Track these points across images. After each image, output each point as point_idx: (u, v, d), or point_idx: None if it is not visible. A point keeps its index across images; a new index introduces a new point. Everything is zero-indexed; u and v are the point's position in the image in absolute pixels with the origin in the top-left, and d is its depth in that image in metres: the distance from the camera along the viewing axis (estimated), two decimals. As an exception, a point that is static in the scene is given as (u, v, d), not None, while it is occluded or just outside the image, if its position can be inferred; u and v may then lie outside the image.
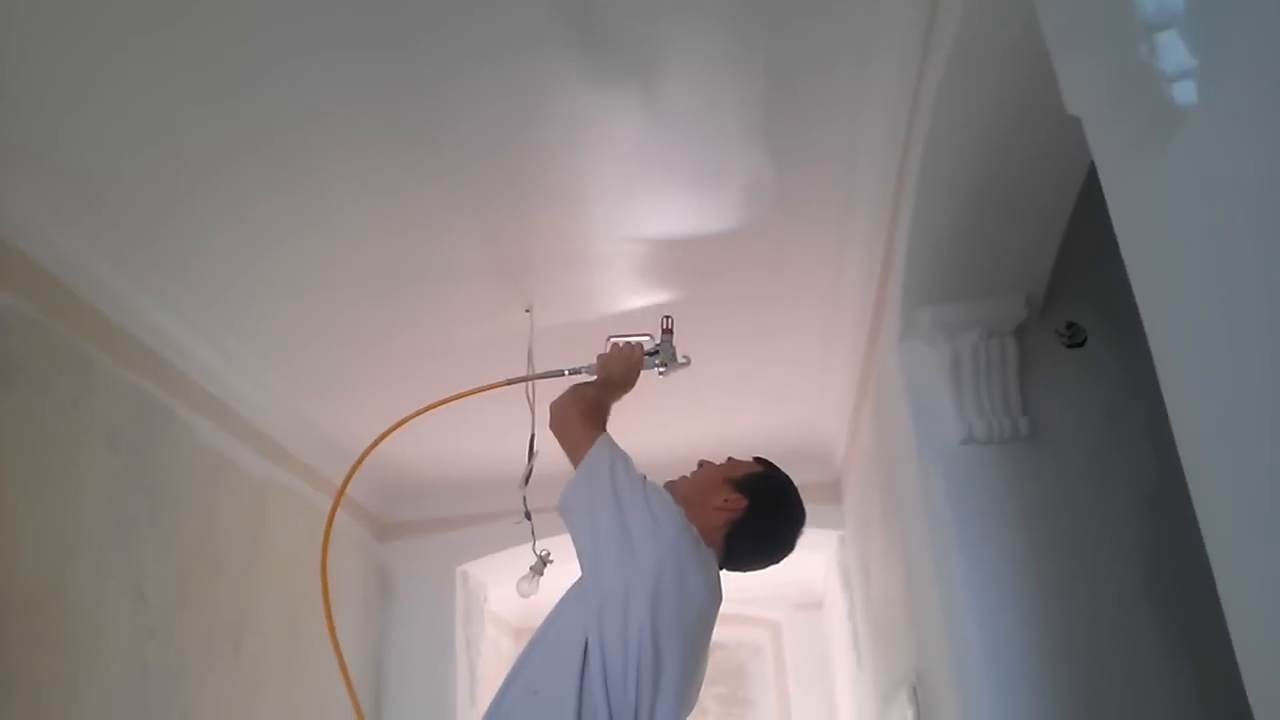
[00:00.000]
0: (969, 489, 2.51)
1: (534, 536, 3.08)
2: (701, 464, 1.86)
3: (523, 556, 3.85)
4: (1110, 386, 2.54)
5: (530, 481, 2.99)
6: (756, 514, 1.76)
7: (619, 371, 1.91)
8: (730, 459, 1.87)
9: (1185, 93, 0.93)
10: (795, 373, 3.80)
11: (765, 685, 6.99)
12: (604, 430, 1.77)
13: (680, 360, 2.03)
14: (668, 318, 2.06)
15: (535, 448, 2.98)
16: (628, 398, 1.96)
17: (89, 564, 2.68)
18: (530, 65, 2.24)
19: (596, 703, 1.48)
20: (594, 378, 1.92)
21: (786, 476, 1.87)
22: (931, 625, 2.72)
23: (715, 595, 1.71)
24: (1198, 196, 0.96)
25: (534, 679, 1.58)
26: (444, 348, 3.49)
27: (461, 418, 4.40)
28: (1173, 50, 0.93)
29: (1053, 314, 2.60)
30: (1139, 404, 2.48)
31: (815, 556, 5.34)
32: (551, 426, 1.82)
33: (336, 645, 2.00)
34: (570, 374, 2.02)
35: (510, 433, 3.13)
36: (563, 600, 1.68)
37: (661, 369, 2.01)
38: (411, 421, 4.03)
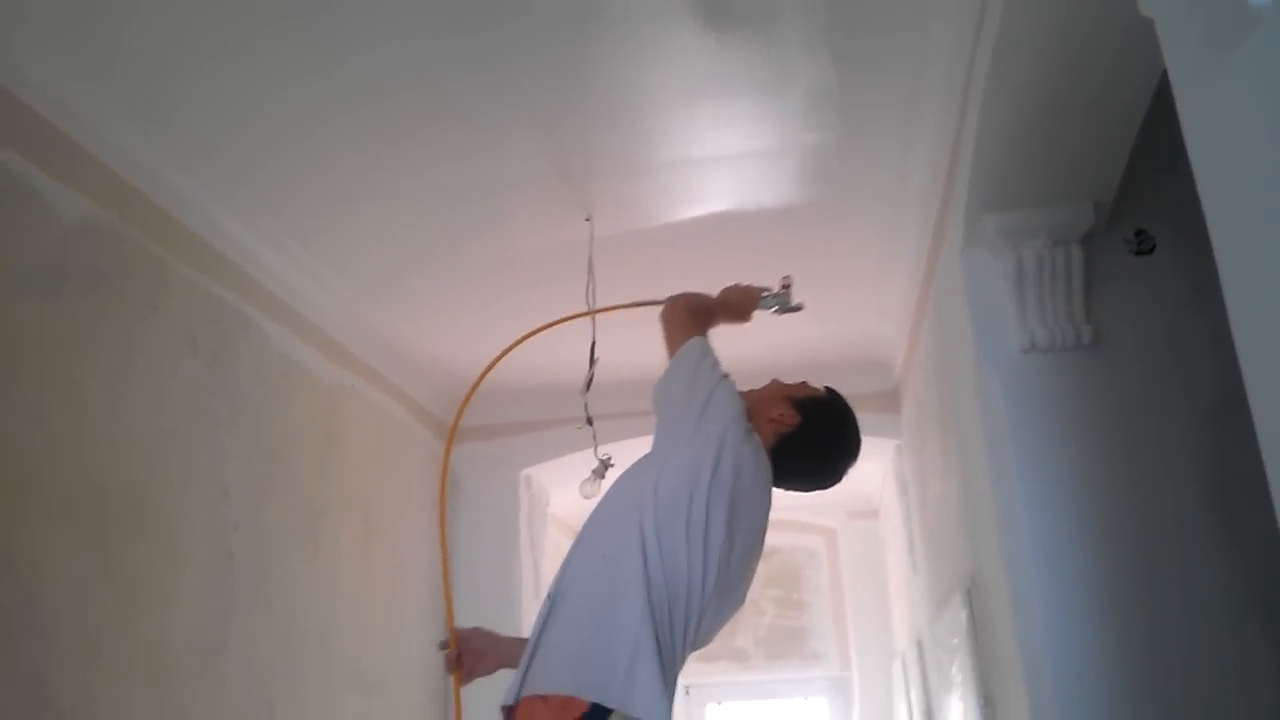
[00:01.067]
0: (1029, 397, 2.52)
1: (595, 441, 3.16)
2: (773, 381, 1.94)
3: (583, 461, 3.96)
4: (1176, 296, 2.50)
5: (591, 388, 3.06)
6: (806, 434, 1.83)
7: (737, 298, 2.13)
8: (803, 382, 1.92)
9: (1261, -7, 0.91)
10: (856, 282, 3.79)
11: (820, 589, 7.13)
12: (703, 333, 1.93)
13: (794, 304, 2.24)
14: (787, 276, 2.25)
15: (595, 355, 3.04)
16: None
17: (176, 460, 2.82)
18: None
19: (652, 564, 1.58)
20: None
21: (848, 408, 1.93)
22: (986, 531, 2.75)
23: (767, 496, 1.77)
24: (1271, 103, 0.95)
25: (599, 543, 1.68)
26: (505, 257, 3.54)
27: (522, 319, 4.47)
28: (1250, -52, 0.91)
29: (1121, 222, 2.55)
30: (1203, 315, 2.45)
31: (871, 465, 5.38)
32: (662, 315, 1.99)
33: (445, 560, 2.12)
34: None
35: (571, 340, 3.19)
36: (621, 477, 1.80)
37: (775, 309, 2.23)
38: (478, 328, 4.13)
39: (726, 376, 1.79)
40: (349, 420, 3.89)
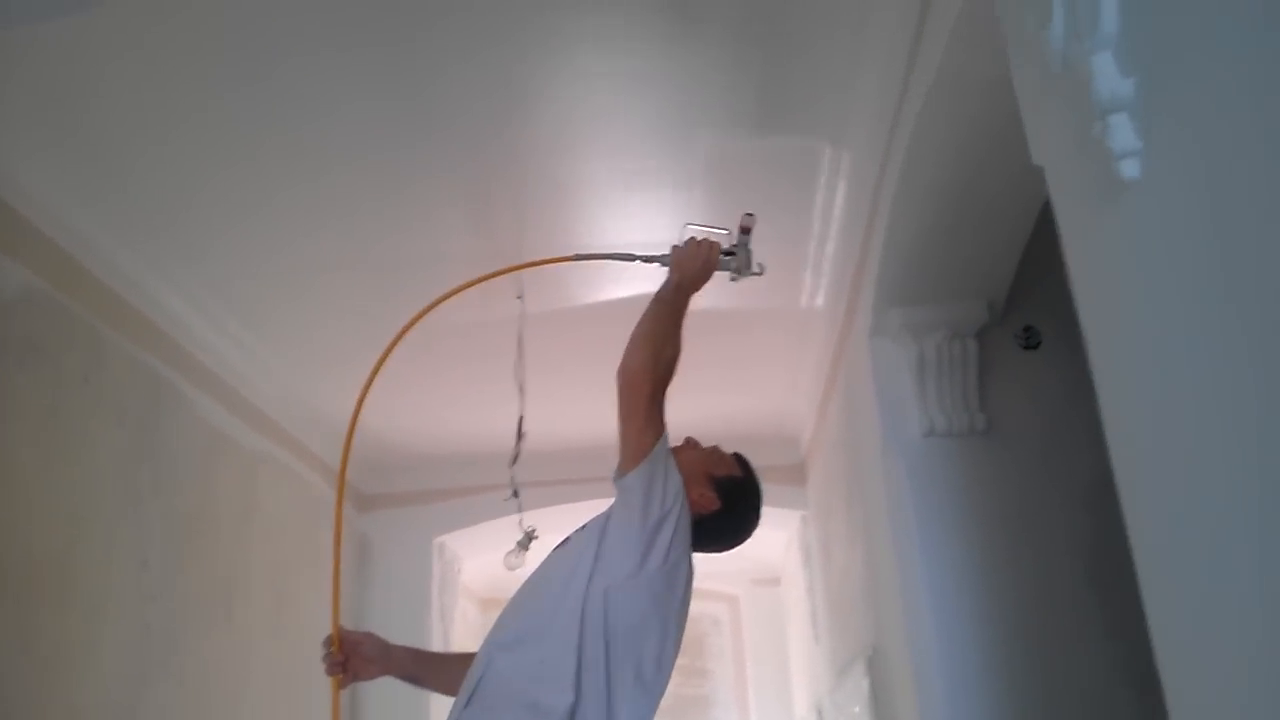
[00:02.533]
0: (929, 478, 2.72)
1: (520, 513, 3.25)
2: (687, 441, 1.92)
3: (499, 530, 4.03)
4: (1061, 386, 2.76)
5: (516, 461, 3.16)
6: (723, 516, 1.87)
7: (692, 271, 1.84)
8: (715, 449, 1.97)
9: (1130, 169, 1.12)
10: (769, 361, 4.00)
11: (723, 656, 7.25)
12: (663, 425, 1.76)
13: (754, 269, 1.93)
14: (749, 215, 1.91)
15: (524, 430, 3.15)
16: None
17: (99, 531, 2.81)
18: (521, 66, 2.40)
19: (596, 652, 1.60)
20: (666, 267, 1.87)
21: (758, 483, 1.97)
22: (889, 603, 2.94)
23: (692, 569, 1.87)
24: (1135, 257, 1.16)
25: (528, 630, 1.66)
26: (436, 331, 3.62)
27: (445, 391, 4.56)
28: (1121, 131, 1.12)
29: (1012, 318, 2.81)
30: (1084, 406, 2.69)
31: (776, 534, 5.57)
32: (623, 378, 1.74)
33: (338, 560, 2.05)
34: (643, 261, 1.96)
35: (489, 407, 3.28)
36: (558, 559, 1.77)
37: (735, 275, 1.91)
38: (403, 399, 4.18)
39: (680, 486, 1.76)
40: (267, 489, 3.88)
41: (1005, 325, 2.81)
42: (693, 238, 1.88)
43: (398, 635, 4.67)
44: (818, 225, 3.06)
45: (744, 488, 1.94)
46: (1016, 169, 2.24)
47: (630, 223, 3.05)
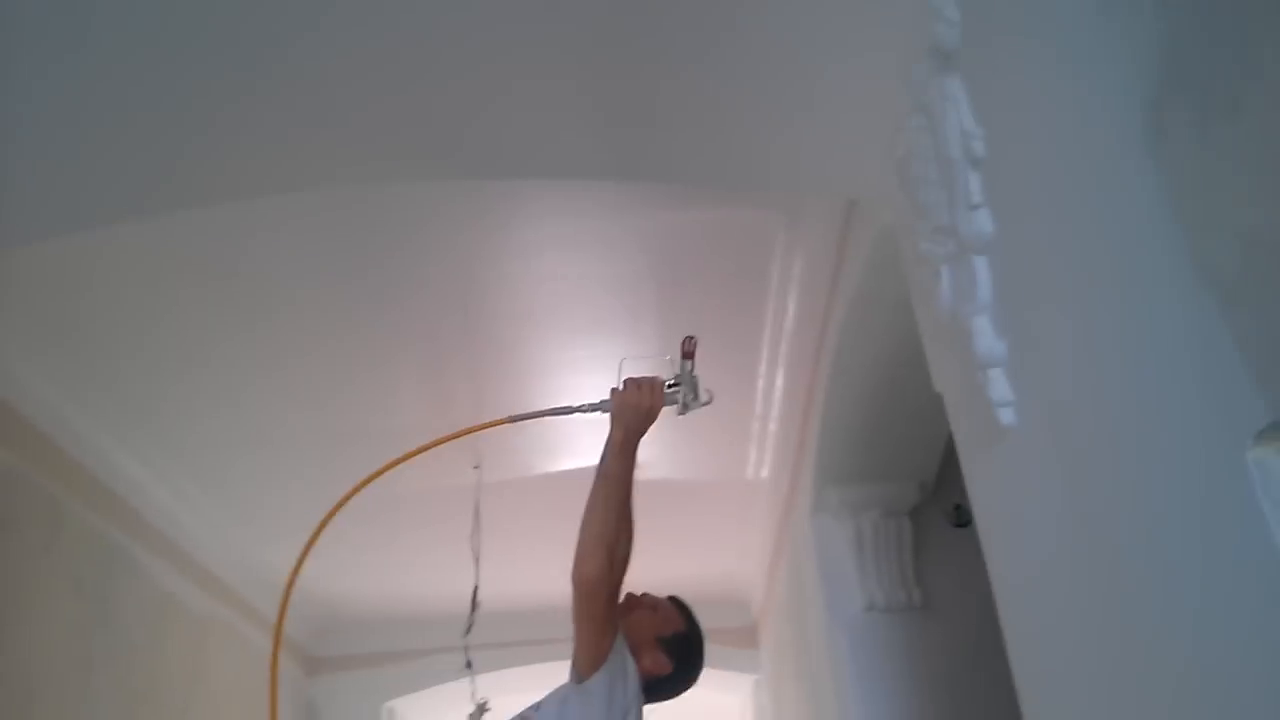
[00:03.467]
0: (870, 650, 2.84)
1: (474, 682, 3.28)
2: (629, 601, 1.90)
3: (451, 693, 4.02)
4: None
5: (470, 631, 3.21)
6: (675, 677, 1.95)
7: (637, 416, 1.76)
8: (657, 605, 1.98)
9: (1006, 416, 1.30)
10: (717, 528, 4.13)
11: (678, 822, 7.06)
12: (616, 624, 1.78)
13: (703, 398, 1.80)
14: (690, 339, 1.81)
15: (479, 600, 3.22)
16: None
17: (51, 703, 2.81)
18: (470, 242, 2.59)
19: None
20: (607, 414, 1.78)
21: (699, 628, 2.02)
22: (836, 774, 2.99)
23: None
24: (1015, 488, 1.33)
25: None
26: (393, 499, 3.72)
27: (399, 555, 4.60)
28: (998, 384, 1.31)
29: (943, 497, 2.98)
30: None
31: (729, 698, 5.56)
32: (580, 586, 1.72)
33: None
34: (583, 411, 1.85)
35: (443, 572, 3.34)
36: None
37: (682, 409, 1.78)
38: (357, 564, 4.23)
39: (636, 675, 1.83)
40: (216, 654, 3.88)
41: (936, 503, 2.98)
42: (630, 378, 1.78)
43: (343, 809, 4.52)
44: (760, 404, 3.26)
45: (690, 641, 2.00)
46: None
47: (590, 379, 3.20)
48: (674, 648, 1.97)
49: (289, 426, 3.25)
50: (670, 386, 1.77)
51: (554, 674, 1.97)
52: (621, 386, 1.78)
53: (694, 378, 1.79)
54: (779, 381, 3.06)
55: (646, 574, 4.75)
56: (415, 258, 2.63)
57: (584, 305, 2.85)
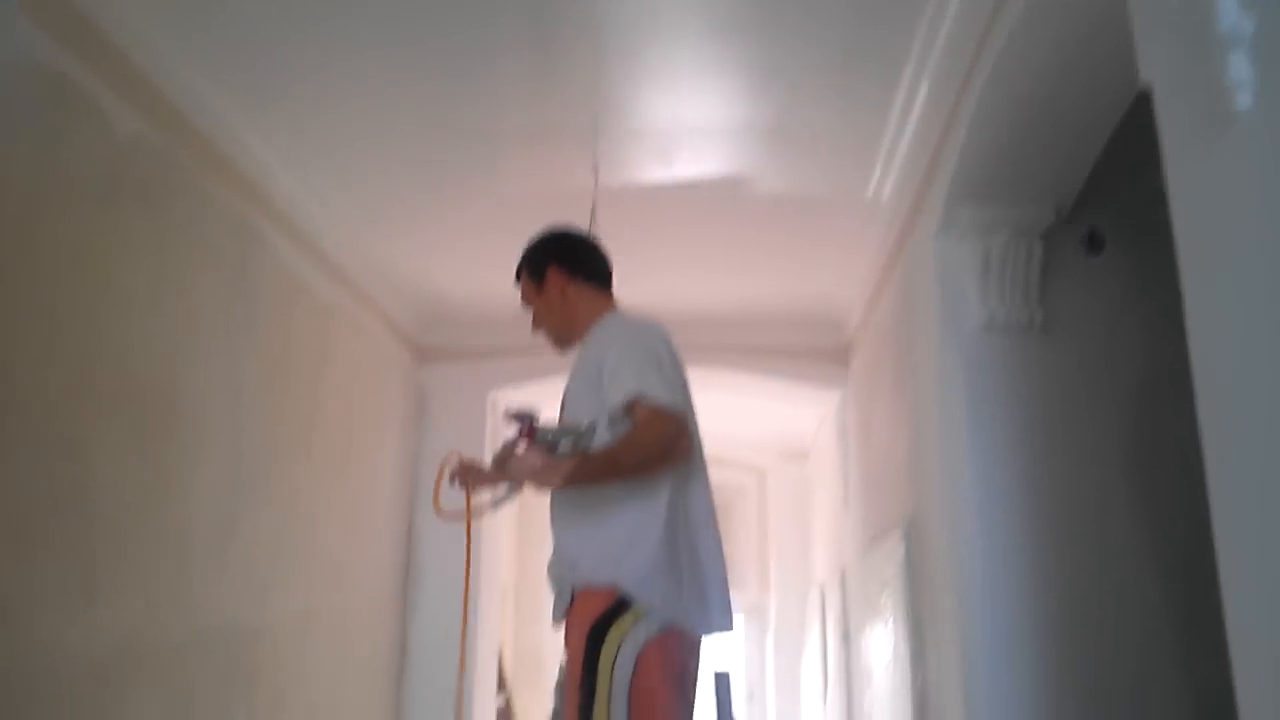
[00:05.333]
0: (984, 368, 2.87)
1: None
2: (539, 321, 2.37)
3: (549, 389, 4.20)
4: (1118, 289, 2.88)
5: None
6: (571, 263, 2.30)
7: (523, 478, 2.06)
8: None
9: (1243, 99, 1.22)
10: (825, 247, 4.10)
11: (746, 523, 7.61)
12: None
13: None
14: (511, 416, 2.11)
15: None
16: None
17: (201, 364, 3.03)
18: None
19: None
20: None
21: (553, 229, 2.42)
22: (931, 480, 3.14)
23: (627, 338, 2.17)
24: (1237, 187, 1.27)
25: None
26: (507, 199, 3.75)
27: (507, 255, 4.68)
28: (1238, 62, 1.22)
29: (1078, 222, 2.90)
30: (1140, 308, 2.83)
31: (808, 411, 5.78)
32: (644, 465, 2.00)
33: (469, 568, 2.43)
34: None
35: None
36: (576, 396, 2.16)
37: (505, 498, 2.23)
38: (468, 261, 4.35)
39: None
40: (338, 338, 4.09)
41: (1070, 228, 2.90)
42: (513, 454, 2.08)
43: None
44: (894, 121, 3.12)
45: (548, 245, 2.38)
46: (1103, 82, 2.31)
47: (704, 98, 3.10)
48: (539, 267, 2.35)
49: (412, 115, 3.22)
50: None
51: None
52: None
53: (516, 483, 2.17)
54: (921, 94, 2.91)
55: (743, 290, 4.84)
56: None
57: (720, 3, 2.69)
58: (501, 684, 5.52)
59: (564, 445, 2.01)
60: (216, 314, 3.13)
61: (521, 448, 2.06)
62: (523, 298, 2.38)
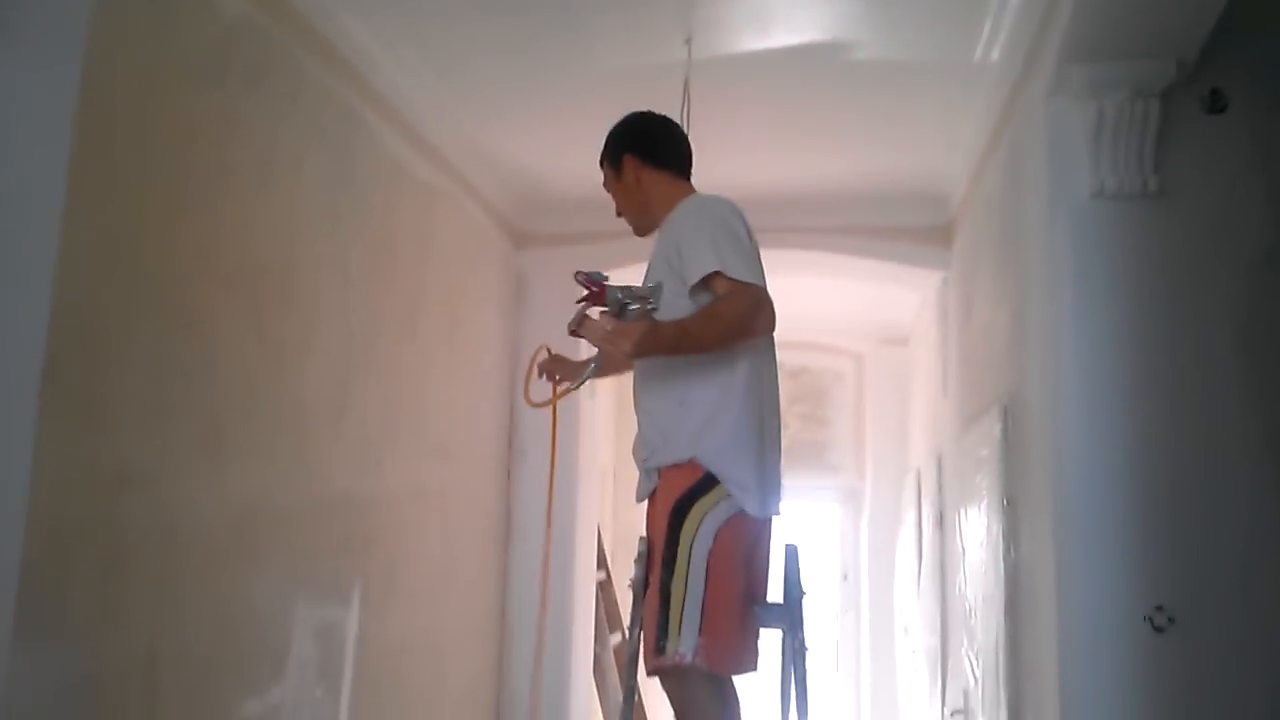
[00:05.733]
0: (1092, 238, 2.78)
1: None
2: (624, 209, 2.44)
3: (642, 274, 4.23)
4: (1239, 155, 2.73)
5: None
6: (645, 151, 2.34)
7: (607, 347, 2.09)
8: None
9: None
10: (928, 116, 3.95)
11: (843, 408, 7.60)
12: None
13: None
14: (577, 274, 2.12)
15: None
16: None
17: (311, 244, 3.14)
18: None
19: None
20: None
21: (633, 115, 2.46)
22: (1032, 355, 3.08)
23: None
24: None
25: None
26: (599, 77, 3.72)
27: (591, 132, 4.68)
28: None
29: (1200, 79, 2.74)
30: (1262, 175, 2.69)
31: (909, 295, 5.68)
32: (724, 337, 2.06)
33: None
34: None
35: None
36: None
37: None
38: (563, 142, 4.36)
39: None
40: (440, 222, 4.18)
41: (1191, 86, 2.74)
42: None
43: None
44: (1005, -27, 2.97)
45: (628, 131, 2.43)
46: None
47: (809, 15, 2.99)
48: (616, 153, 2.41)
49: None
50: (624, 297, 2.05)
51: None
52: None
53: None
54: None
55: (841, 165, 4.72)
56: None
57: None
58: (601, 561, 5.74)
59: (633, 307, 2.03)
60: (324, 196, 3.22)
61: (595, 313, 2.10)
62: (605, 185, 2.41)
